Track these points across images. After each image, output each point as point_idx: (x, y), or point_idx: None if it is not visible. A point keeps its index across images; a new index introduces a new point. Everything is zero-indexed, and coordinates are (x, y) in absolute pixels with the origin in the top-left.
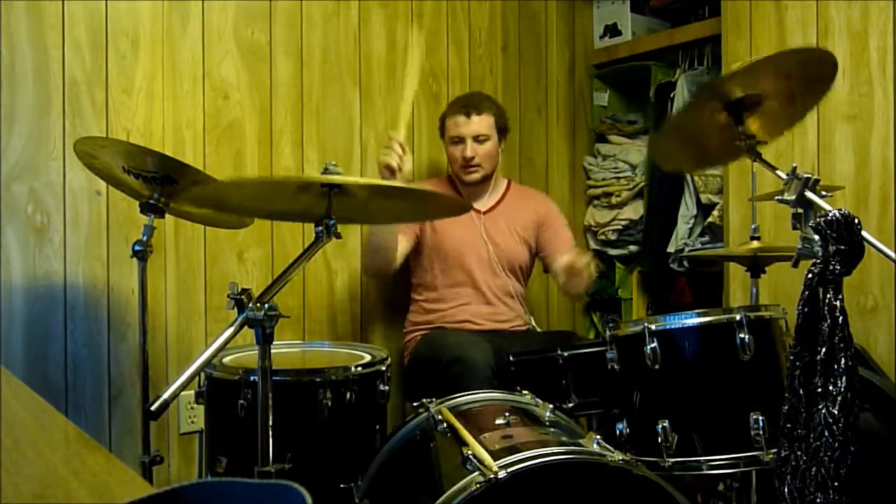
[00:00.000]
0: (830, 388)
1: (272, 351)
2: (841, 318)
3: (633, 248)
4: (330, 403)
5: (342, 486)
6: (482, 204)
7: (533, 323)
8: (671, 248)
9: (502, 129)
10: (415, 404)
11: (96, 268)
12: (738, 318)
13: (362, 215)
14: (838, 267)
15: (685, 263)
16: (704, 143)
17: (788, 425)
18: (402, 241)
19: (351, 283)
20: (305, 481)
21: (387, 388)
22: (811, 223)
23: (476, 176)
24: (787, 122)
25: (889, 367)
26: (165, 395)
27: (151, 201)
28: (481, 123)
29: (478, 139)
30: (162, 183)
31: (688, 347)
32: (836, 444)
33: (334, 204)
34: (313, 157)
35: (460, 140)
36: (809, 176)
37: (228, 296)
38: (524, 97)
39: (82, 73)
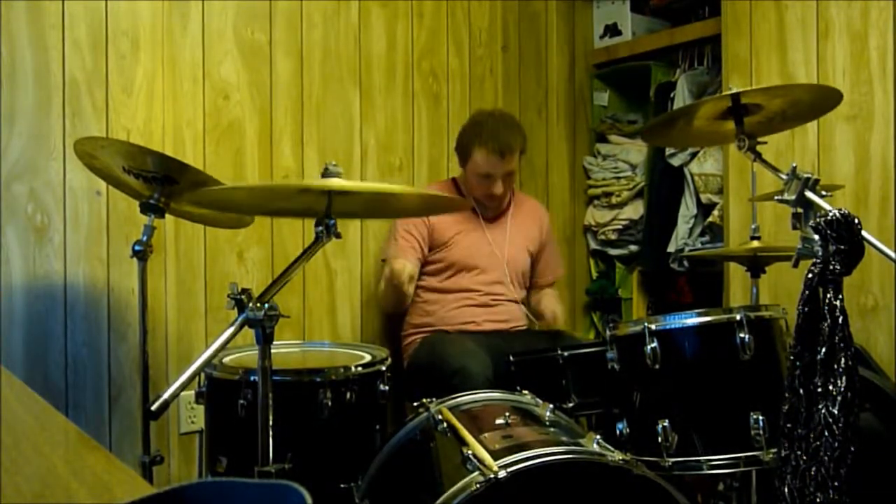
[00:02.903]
0: (830, 387)
1: (272, 351)
2: (841, 317)
3: (633, 247)
4: (330, 403)
5: (342, 486)
6: (490, 211)
7: (534, 321)
8: (671, 248)
9: (523, 153)
10: (415, 404)
11: (96, 268)
12: (738, 317)
13: (363, 212)
14: (838, 267)
15: (685, 263)
16: (694, 126)
17: (788, 425)
18: (413, 272)
19: (351, 283)
20: (305, 481)
21: (387, 387)
22: (811, 223)
23: (497, 204)
24: (784, 127)
25: (889, 367)
26: (166, 395)
27: (151, 201)
28: (513, 162)
29: (507, 175)
30: (162, 183)
31: (688, 347)
32: (836, 444)
33: (335, 201)
34: (313, 156)
35: (490, 177)
36: (809, 176)
37: (228, 296)
38: (524, 97)
39: (82, 73)
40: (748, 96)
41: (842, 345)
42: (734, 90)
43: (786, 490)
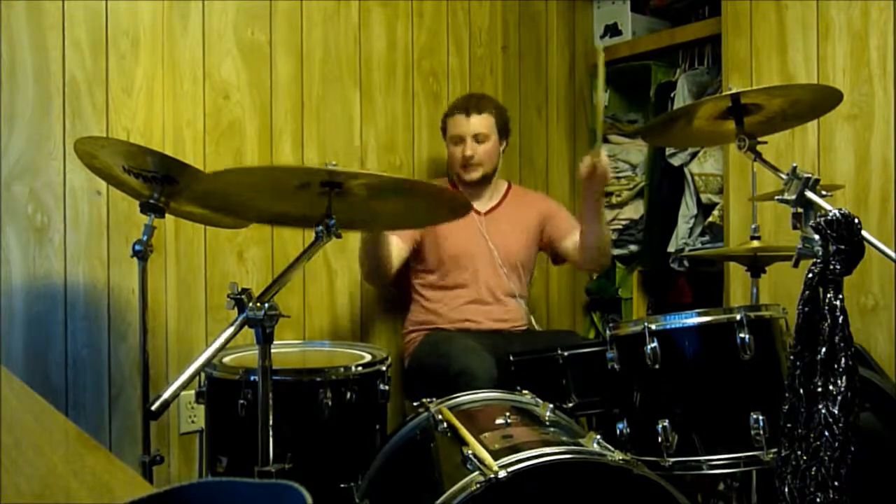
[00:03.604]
0: (830, 387)
1: (272, 351)
2: (841, 317)
3: (633, 247)
4: (330, 403)
5: (342, 486)
6: (483, 205)
7: (533, 322)
8: (671, 248)
9: (503, 129)
10: (415, 404)
11: (96, 268)
12: (738, 317)
13: (363, 218)
14: (838, 266)
15: (685, 263)
16: (694, 126)
17: (789, 425)
18: (399, 246)
19: (351, 283)
20: (305, 481)
21: (387, 387)
22: (811, 223)
23: (476, 175)
24: (784, 126)
25: (889, 367)
26: (166, 395)
27: (151, 201)
28: (481, 123)
29: (477, 138)
30: (162, 183)
31: (688, 347)
32: (837, 444)
33: (334, 206)
34: (313, 156)
35: (461, 139)
36: (809, 176)
37: (228, 295)
38: (524, 97)
39: (82, 73)
40: (748, 96)
41: (842, 345)
42: (734, 90)
43: (786, 490)
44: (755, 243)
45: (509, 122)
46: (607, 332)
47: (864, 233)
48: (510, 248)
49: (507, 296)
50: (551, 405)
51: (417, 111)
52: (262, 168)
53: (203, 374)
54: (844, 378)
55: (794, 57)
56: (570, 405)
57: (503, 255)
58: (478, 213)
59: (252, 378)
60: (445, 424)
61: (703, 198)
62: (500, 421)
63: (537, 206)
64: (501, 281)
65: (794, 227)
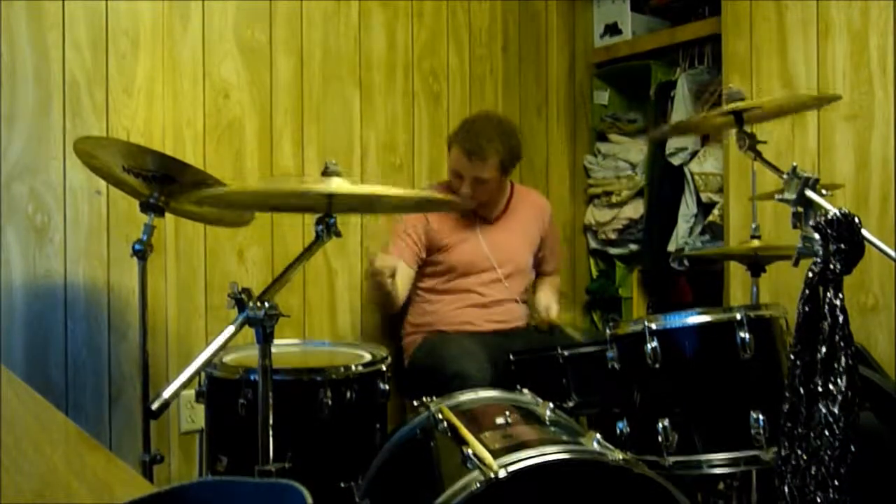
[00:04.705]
0: (831, 386)
1: (272, 350)
2: (841, 316)
3: (633, 247)
4: (330, 402)
5: (342, 485)
6: (488, 213)
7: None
8: (671, 247)
9: (508, 165)
10: (415, 403)
11: (96, 267)
12: (738, 316)
13: (365, 207)
14: (838, 266)
15: (685, 262)
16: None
17: (789, 424)
18: (405, 272)
19: (351, 283)
20: (305, 481)
21: (387, 387)
22: (811, 222)
23: (470, 206)
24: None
25: (889, 366)
26: (166, 395)
27: (151, 200)
28: (483, 169)
29: (477, 180)
30: (162, 182)
31: (688, 346)
32: (837, 443)
33: (334, 197)
34: (313, 156)
35: (459, 176)
36: (810, 175)
37: (229, 295)
38: (524, 97)
39: (82, 73)
40: (749, 107)
41: (842, 344)
42: (733, 89)
43: (786, 489)
44: (755, 242)
45: (518, 148)
46: (607, 331)
47: (864, 232)
48: (512, 254)
49: (509, 300)
50: (551, 404)
51: (417, 111)
52: (262, 191)
53: (203, 374)
54: (844, 377)
55: (794, 57)
56: (570, 404)
57: (506, 263)
58: (484, 220)
59: (252, 377)
60: (445, 424)
61: (704, 197)
62: (500, 420)
63: (539, 209)
64: (503, 286)
65: (794, 227)
